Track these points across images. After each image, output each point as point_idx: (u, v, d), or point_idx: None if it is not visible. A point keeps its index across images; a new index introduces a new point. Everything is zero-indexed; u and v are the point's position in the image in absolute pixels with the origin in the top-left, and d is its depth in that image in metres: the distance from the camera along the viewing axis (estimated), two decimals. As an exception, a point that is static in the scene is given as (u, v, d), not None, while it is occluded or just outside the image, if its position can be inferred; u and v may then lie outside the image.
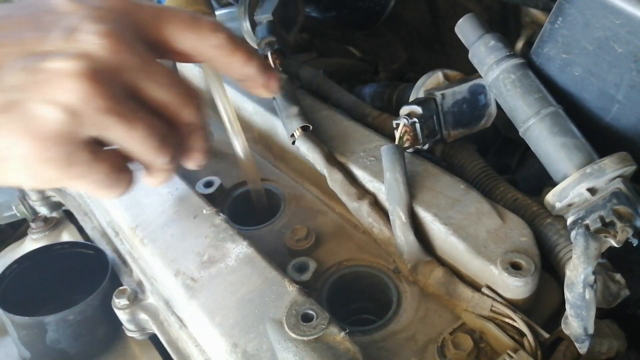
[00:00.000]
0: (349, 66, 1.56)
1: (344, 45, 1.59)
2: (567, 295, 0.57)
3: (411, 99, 0.91)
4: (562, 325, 0.61)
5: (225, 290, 0.70)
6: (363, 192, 0.81)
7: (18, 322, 0.85)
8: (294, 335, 0.62)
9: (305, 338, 0.62)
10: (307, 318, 0.64)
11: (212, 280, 0.72)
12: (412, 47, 1.74)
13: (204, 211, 0.82)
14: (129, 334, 0.89)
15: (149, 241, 0.81)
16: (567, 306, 0.58)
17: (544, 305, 0.71)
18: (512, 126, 1.18)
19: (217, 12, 1.13)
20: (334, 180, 0.82)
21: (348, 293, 0.80)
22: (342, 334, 0.62)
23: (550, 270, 0.73)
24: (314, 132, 0.88)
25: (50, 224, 1.17)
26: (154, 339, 0.92)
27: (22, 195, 1.21)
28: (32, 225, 1.17)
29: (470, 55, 0.86)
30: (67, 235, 1.14)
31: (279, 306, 0.66)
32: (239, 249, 0.75)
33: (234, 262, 0.73)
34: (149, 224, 0.83)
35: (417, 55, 1.72)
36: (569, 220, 0.68)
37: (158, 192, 0.88)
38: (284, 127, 0.90)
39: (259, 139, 1.06)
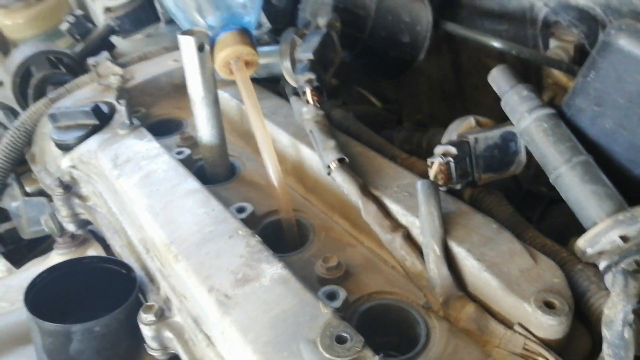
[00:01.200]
0: (373, 114, 1.61)
1: (370, 92, 1.66)
2: (605, 333, 0.58)
3: (443, 141, 0.94)
4: (597, 366, 0.61)
5: (259, 309, 0.71)
6: (396, 224, 0.83)
7: (45, 329, 0.86)
8: (328, 356, 0.63)
9: (339, 359, 0.62)
10: (341, 340, 0.65)
11: (246, 298, 0.73)
12: (433, 101, 1.80)
13: (240, 232, 0.84)
14: (150, 352, 0.89)
15: (183, 257, 0.83)
16: (605, 345, 0.59)
17: (574, 352, 0.71)
18: (535, 180, 1.21)
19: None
20: (368, 212, 0.85)
21: (376, 326, 0.81)
22: (376, 358, 0.63)
23: (579, 318, 0.74)
24: (349, 165, 0.91)
25: (77, 241, 1.19)
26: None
27: (52, 210, 1.24)
28: (59, 240, 1.19)
29: (502, 104, 0.90)
30: (93, 253, 1.16)
31: (313, 327, 0.67)
32: (274, 269, 0.77)
33: (269, 282, 0.75)
34: (183, 240, 0.85)
35: (438, 110, 1.78)
36: (602, 265, 0.69)
37: (194, 211, 0.91)
38: (320, 159, 0.94)
39: (291, 171, 1.09)
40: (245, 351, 0.68)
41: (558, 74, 1.33)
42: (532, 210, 1.18)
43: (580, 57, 1.26)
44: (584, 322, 0.72)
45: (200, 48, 1.01)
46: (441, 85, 1.73)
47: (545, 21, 1.35)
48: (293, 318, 0.69)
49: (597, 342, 0.67)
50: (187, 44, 1.01)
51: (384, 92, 1.67)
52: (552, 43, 1.33)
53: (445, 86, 1.72)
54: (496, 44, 1.28)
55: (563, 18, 1.30)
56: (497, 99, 0.91)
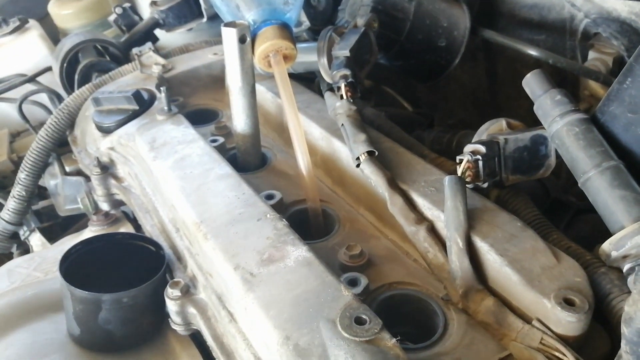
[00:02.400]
0: (405, 117, 1.63)
1: (403, 95, 1.67)
2: (624, 330, 0.58)
3: (473, 141, 0.95)
4: (614, 365, 0.61)
5: (282, 287, 0.74)
6: (421, 217, 0.85)
7: (77, 296, 0.90)
8: (346, 335, 0.64)
9: (357, 339, 0.64)
10: (360, 321, 0.66)
11: (270, 277, 0.76)
12: (465, 108, 1.80)
13: (268, 215, 0.87)
14: (173, 326, 0.92)
15: (212, 236, 0.86)
16: (623, 342, 0.59)
17: (592, 353, 0.71)
18: (564, 189, 1.20)
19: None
20: (394, 204, 0.86)
21: (394, 315, 0.82)
22: (393, 340, 0.64)
23: (600, 321, 0.73)
24: (378, 159, 0.93)
25: (110, 219, 1.24)
26: (194, 337, 0.94)
27: (89, 190, 1.29)
28: (93, 217, 1.24)
29: (535, 108, 0.90)
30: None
31: (334, 308, 0.69)
32: (298, 252, 0.79)
33: (293, 263, 0.77)
34: (213, 220, 0.88)
35: (470, 117, 1.78)
36: (626, 267, 0.69)
37: (225, 194, 0.94)
38: (350, 152, 0.96)
39: (320, 163, 1.11)
40: (266, 327, 0.70)
41: (595, 86, 1.32)
42: (559, 219, 1.17)
43: (618, 70, 1.25)
44: (605, 324, 0.72)
45: (242, 40, 1.05)
46: (475, 93, 1.73)
47: (585, 33, 1.34)
48: (314, 298, 0.71)
49: (616, 345, 0.67)
50: (229, 35, 1.05)
51: (417, 96, 1.68)
52: (591, 55, 1.32)
53: (479, 94, 1.72)
54: (533, 52, 1.28)
55: (604, 30, 1.29)
56: (530, 110, 0.92)
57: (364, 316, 0.66)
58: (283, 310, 0.71)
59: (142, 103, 1.31)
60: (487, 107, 1.73)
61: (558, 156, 0.89)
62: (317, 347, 0.65)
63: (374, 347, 0.63)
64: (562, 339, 0.66)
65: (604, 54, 1.30)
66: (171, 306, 0.89)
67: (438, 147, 1.17)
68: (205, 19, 1.80)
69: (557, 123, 0.85)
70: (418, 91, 1.66)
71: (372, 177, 0.90)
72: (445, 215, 0.79)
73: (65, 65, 1.62)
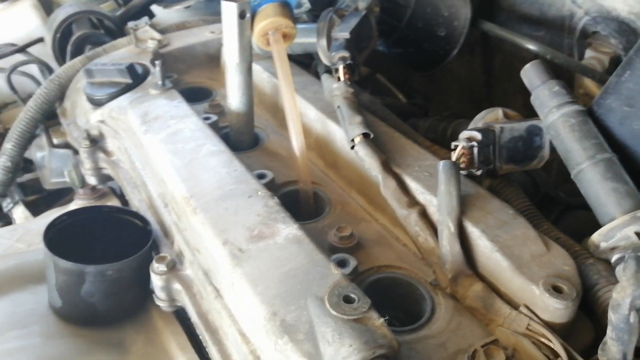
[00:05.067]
0: (399, 107, 1.62)
1: (399, 85, 1.66)
2: (611, 316, 0.58)
3: (470, 127, 0.95)
4: (599, 352, 0.61)
5: (271, 264, 0.73)
6: (414, 201, 0.84)
7: (61, 267, 0.88)
8: (334, 313, 0.64)
9: (345, 317, 0.63)
10: (348, 300, 0.66)
11: (259, 253, 0.75)
12: (461, 101, 1.80)
13: (259, 193, 0.86)
14: (157, 302, 0.90)
15: (201, 211, 0.85)
16: (609, 329, 0.59)
17: (576, 342, 0.71)
18: (553, 184, 1.20)
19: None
20: (387, 187, 0.86)
21: (381, 299, 0.81)
22: (381, 320, 0.64)
23: (585, 311, 0.74)
24: (373, 141, 0.92)
25: (97, 194, 1.22)
26: (177, 315, 0.93)
27: (77, 162, 1.27)
28: (80, 191, 1.22)
29: (532, 98, 0.90)
30: (112, 206, 1.18)
31: (322, 285, 0.68)
32: (289, 229, 0.78)
33: (283, 240, 0.76)
34: (203, 195, 0.87)
35: (465, 111, 1.78)
36: (614, 258, 0.69)
37: (217, 170, 0.92)
38: (345, 133, 0.95)
39: (314, 146, 1.10)
40: (253, 302, 0.69)
41: (590, 84, 1.32)
42: (548, 214, 1.18)
43: (615, 69, 1.26)
44: (590, 315, 0.72)
45: (242, 15, 1.03)
46: (471, 86, 1.73)
47: (584, 31, 1.34)
48: (303, 275, 0.70)
49: (600, 335, 0.67)
50: (229, 10, 1.03)
51: (414, 85, 1.67)
52: (588, 53, 1.32)
53: (475, 88, 1.72)
54: (531, 46, 1.28)
55: (603, 29, 1.29)
56: (526, 106, 0.92)
57: (352, 295, 0.66)
58: (271, 286, 0.70)
59: (136, 77, 1.28)
60: (482, 101, 1.73)
61: (552, 150, 0.89)
62: (304, 324, 0.65)
63: (361, 325, 0.63)
64: (549, 326, 0.66)
65: (601, 53, 1.30)
66: (156, 281, 0.88)
67: (432, 136, 1.17)
68: (203, -3, 1.78)
69: (554, 114, 0.85)
70: (414, 82, 1.65)
71: (366, 159, 0.89)
72: (438, 199, 0.79)
73: (58, 36, 1.59)
